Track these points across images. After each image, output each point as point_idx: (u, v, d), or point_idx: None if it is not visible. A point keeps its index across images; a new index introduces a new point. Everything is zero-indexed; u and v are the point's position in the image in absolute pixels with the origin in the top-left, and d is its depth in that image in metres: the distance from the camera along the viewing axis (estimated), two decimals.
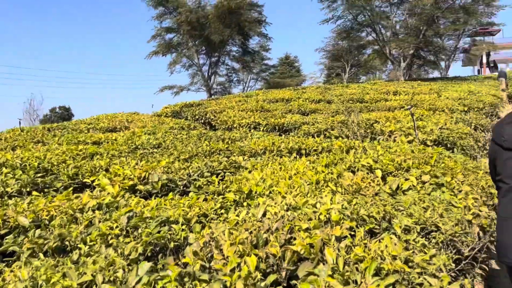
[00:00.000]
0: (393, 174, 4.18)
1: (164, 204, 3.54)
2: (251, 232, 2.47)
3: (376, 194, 3.65)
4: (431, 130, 7.17)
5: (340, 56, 53.25)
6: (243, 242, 2.25)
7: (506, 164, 2.26)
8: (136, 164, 5.04)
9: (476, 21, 36.95)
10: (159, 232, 2.70)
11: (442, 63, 44.53)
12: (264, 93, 16.63)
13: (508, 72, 30.20)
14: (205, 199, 3.73)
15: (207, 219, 3.24)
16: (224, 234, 2.43)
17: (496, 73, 31.14)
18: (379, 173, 4.10)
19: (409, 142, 6.51)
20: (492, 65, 48.70)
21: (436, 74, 47.19)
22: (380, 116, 9.03)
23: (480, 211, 3.43)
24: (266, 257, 2.16)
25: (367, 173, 4.22)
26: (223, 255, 2.20)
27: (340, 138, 7.75)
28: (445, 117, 8.62)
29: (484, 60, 49.19)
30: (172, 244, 2.61)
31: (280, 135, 9.78)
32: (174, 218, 3.07)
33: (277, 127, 9.99)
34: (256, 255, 2.10)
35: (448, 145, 6.68)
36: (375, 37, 31.09)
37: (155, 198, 3.82)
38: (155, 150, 6.17)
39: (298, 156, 5.81)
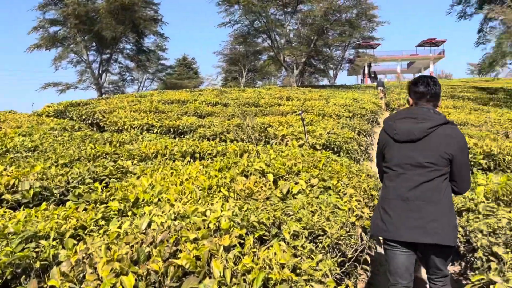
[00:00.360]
0: (284, 178, 4.24)
1: (36, 216, 3.11)
2: (132, 246, 2.24)
3: (268, 198, 3.64)
4: (320, 134, 7.53)
5: (238, 61, 54.19)
6: (122, 259, 2.02)
7: (395, 154, 2.58)
8: (4, 169, 4.40)
9: (360, 35, 40.45)
10: (23, 250, 2.33)
11: (331, 72, 47.90)
12: (159, 93, 16.08)
13: (386, 82, 33.59)
14: (85, 209, 3.37)
15: (85, 232, 2.91)
16: (100, 250, 2.16)
17: (376, 83, 34.42)
18: (271, 177, 4.11)
19: (300, 146, 6.74)
20: (372, 75, 53.83)
21: (325, 81, 50.57)
22: (273, 120, 9.25)
23: (363, 212, 3.62)
24: (147, 274, 1.95)
25: (260, 177, 4.22)
26: (98, 275, 1.94)
27: (235, 142, 7.75)
28: (333, 122, 9.15)
29: (366, 71, 54.14)
30: (38, 264, 2.26)
31: (175, 138, 9.50)
32: (45, 232, 2.69)
33: (172, 130, 9.67)
34: (135, 273, 1.89)
35: (335, 149, 7.07)
36: (270, 44, 32.18)
37: (24, 209, 3.34)
38: (30, 153, 5.48)
39: (192, 160, 5.64)
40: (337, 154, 7.10)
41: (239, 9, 29.75)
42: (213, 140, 8.17)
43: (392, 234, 2.48)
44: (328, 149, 7.08)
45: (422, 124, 2.50)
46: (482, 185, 3.92)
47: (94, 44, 29.05)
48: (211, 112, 11.48)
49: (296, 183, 3.92)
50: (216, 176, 4.16)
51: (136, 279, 1.85)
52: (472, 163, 5.24)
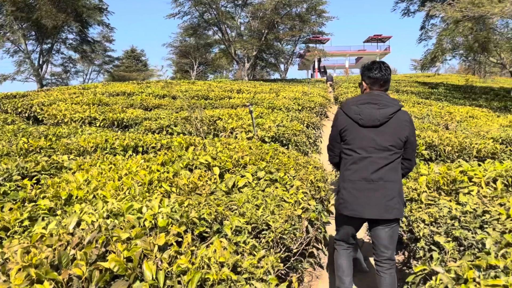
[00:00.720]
0: (231, 171, 4.10)
1: None
2: (55, 249, 2.01)
3: (212, 193, 3.49)
4: (269, 127, 7.46)
5: (188, 53, 53.36)
6: (40, 264, 1.79)
7: (359, 137, 2.70)
8: None
9: (310, 29, 41.03)
10: None
11: (282, 66, 48.34)
12: (104, 85, 15.39)
13: (335, 77, 34.33)
14: (11, 209, 3.06)
15: (8, 234, 2.63)
16: (16, 254, 1.92)
17: (325, 77, 35.11)
18: (216, 170, 3.96)
19: (249, 138, 6.63)
20: (322, 70, 54.93)
21: (277, 76, 50.98)
22: (223, 113, 9.08)
23: (309, 204, 3.56)
24: (68, 281, 1.74)
25: (205, 171, 4.05)
26: (10, 284, 1.71)
27: (182, 135, 7.52)
28: (282, 115, 9.12)
29: (316, 65, 55.14)
30: None
31: (119, 131, 9.11)
32: None
33: (116, 123, 9.23)
34: (53, 279, 1.68)
35: (284, 142, 7.02)
36: (221, 37, 31.84)
37: None
38: None
39: (134, 154, 5.36)
40: (286, 147, 7.07)
41: (189, 0, 29.18)
42: (159, 133, 7.88)
43: (358, 213, 2.68)
44: (277, 142, 7.03)
45: (384, 110, 2.66)
46: (424, 175, 3.99)
47: (33, 33, 27.29)
48: (158, 105, 11.11)
49: (242, 176, 3.80)
50: (158, 170, 3.95)
51: (54, 287, 1.64)
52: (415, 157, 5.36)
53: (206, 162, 4.18)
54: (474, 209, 2.82)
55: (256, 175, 3.88)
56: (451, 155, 5.45)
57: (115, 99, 11.89)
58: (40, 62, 27.64)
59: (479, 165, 4.15)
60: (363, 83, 2.86)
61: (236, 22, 31.75)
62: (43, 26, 25.32)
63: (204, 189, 3.52)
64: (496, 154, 5.64)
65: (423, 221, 2.98)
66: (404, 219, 3.33)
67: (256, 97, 12.53)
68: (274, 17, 32.63)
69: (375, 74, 2.74)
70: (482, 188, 3.54)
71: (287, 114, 9.35)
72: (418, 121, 8.32)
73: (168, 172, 3.90)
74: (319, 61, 55.20)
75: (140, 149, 5.40)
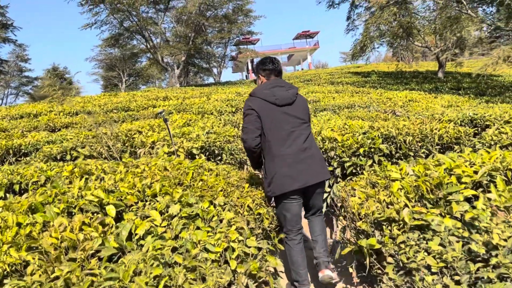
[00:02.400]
0: (132, 209, 2.84)
1: None
2: None
3: (95, 254, 2.22)
4: (197, 136, 6.24)
5: (114, 66, 50.69)
6: None
7: (279, 116, 2.95)
8: None
9: (238, 30, 40.30)
10: None
11: (215, 70, 47.23)
12: (8, 108, 13.29)
13: None
14: None
15: None
16: None
17: None
18: (111, 210, 2.69)
19: (170, 154, 5.37)
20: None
21: (211, 80, 49.76)
22: (143, 125, 7.71)
23: (248, 246, 2.41)
24: None
25: (95, 213, 2.77)
26: None
27: (91, 158, 6.09)
28: (213, 120, 7.93)
29: (250, 66, 54.57)
30: None
31: (16, 161, 7.45)
32: None
33: (11, 151, 7.54)
34: None
35: (216, 151, 5.83)
36: (145, 44, 29.97)
37: None
38: None
39: (11, 194, 3.93)
40: (219, 157, 5.88)
41: (106, 8, 27.05)
42: (63, 158, 6.37)
43: (301, 183, 2.86)
44: (207, 153, 5.83)
45: (291, 90, 3.07)
46: (397, 180, 2.96)
47: None
48: (69, 124, 9.46)
49: (144, 218, 2.56)
50: (19, 224, 2.60)
51: None
52: (371, 149, 4.40)
53: (97, 200, 2.88)
54: (505, 239, 1.77)
55: (167, 211, 2.65)
56: (413, 147, 4.54)
57: (16, 122, 10.04)
58: None
59: (460, 157, 3.21)
60: (260, 76, 3.20)
61: (160, 28, 30.03)
62: None
63: (82, 250, 2.25)
64: (460, 139, 4.83)
65: (428, 268, 1.88)
66: (390, 260, 2.26)
67: (185, 102, 11.22)
68: (199, 20, 31.35)
69: (269, 66, 3.12)
70: (479, 191, 2.57)
71: (219, 119, 8.16)
72: (364, 111, 7.50)
73: (33, 225, 2.57)
74: (252, 61, 54.73)
75: (17, 187, 3.96)
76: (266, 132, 2.93)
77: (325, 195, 4.57)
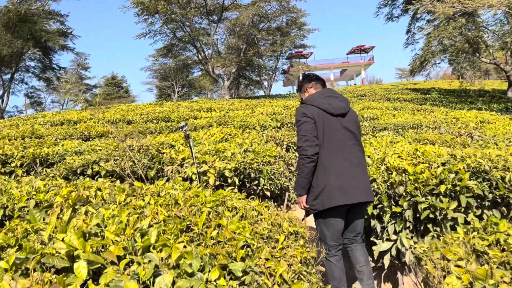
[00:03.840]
0: (116, 268, 1.92)
1: None
2: None
3: None
4: (233, 154, 5.33)
5: (168, 76, 51.62)
6: None
7: (334, 126, 2.86)
8: None
9: (291, 43, 39.59)
10: None
11: (266, 83, 46.77)
12: (53, 114, 13.16)
13: None
14: None
15: None
16: None
17: None
18: (81, 271, 1.80)
19: (185, 179, 4.51)
20: None
21: (261, 93, 49.35)
22: (178, 138, 6.94)
23: None
24: None
25: (60, 272, 1.89)
26: None
27: (113, 175, 5.37)
28: (255, 135, 7.00)
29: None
30: None
31: (43, 170, 6.91)
32: None
33: (38, 160, 7.03)
34: None
35: (252, 175, 4.88)
36: (195, 54, 29.90)
37: None
38: None
39: None
40: (256, 182, 4.92)
41: (160, 18, 27.27)
42: (82, 173, 5.69)
43: (352, 199, 2.76)
44: (242, 176, 4.89)
45: (344, 102, 3.00)
46: None
47: None
48: (104, 133, 8.93)
49: None
50: None
51: None
52: (456, 187, 3.25)
53: (68, 250, 2.00)
54: None
55: (153, 284, 1.71)
56: None
57: (54, 129, 9.68)
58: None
59: None
60: (307, 89, 3.14)
61: (212, 39, 29.87)
62: (0, 55, 23.05)
63: None
64: None
65: None
66: None
67: (228, 115, 10.42)
68: (252, 31, 30.91)
69: (313, 76, 3.17)
70: None
71: (261, 134, 7.23)
72: (434, 133, 6.25)
73: None
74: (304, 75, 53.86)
75: (1, 212, 3.19)
76: (320, 141, 2.82)
77: (390, 244, 3.51)
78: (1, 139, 8.72)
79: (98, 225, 2.38)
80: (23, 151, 7.24)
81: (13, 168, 6.94)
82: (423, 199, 3.28)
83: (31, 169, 7.10)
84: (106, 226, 2.33)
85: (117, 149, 6.53)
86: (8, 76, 25.58)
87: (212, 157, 5.31)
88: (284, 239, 2.35)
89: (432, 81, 47.45)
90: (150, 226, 2.33)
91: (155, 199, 2.76)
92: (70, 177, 5.74)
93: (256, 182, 4.92)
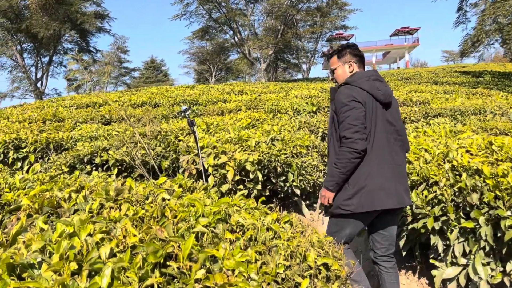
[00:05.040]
0: None
1: None
2: None
3: None
4: (258, 143, 4.53)
5: (206, 59, 51.25)
6: None
7: (380, 116, 2.36)
8: None
9: (332, 24, 38.03)
10: None
11: (304, 66, 45.46)
12: (82, 97, 12.83)
13: None
14: None
15: None
16: None
17: None
18: None
19: (219, 168, 3.77)
20: None
21: (300, 76, 48.16)
22: (201, 123, 6.22)
23: None
24: None
25: None
26: None
27: (122, 164, 4.73)
28: (286, 121, 6.17)
29: None
30: None
31: (56, 156, 6.40)
32: None
33: (52, 145, 6.54)
34: None
35: (279, 169, 4.07)
36: (231, 36, 29.08)
37: None
38: None
39: None
40: (283, 178, 4.11)
41: None
42: (89, 162, 5.09)
43: (395, 202, 2.35)
44: (267, 170, 4.09)
45: (388, 87, 2.50)
46: None
47: (31, 45, 25.25)
48: (128, 116, 8.35)
49: None
50: None
51: None
52: None
53: None
54: None
55: None
56: None
57: (77, 112, 9.23)
58: (37, 76, 25.59)
59: None
60: (351, 63, 2.51)
61: (249, 20, 28.91)
62: (38, 37, 23.19)
63: None
64: None
65: None
66: None
67: (259, 98, 9.60)
68: (290, 12, 29.64)
69: (361, 52, 2.56)
70: None
71: (294, 120, 6.38)
72: (504, 120, 5.16)
73: None
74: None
75: None
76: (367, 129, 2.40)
77: (458, 270, 2.65)
78: (22, 122, 8.35)
79: (42, 248, 1.67)
80: (37, 135, 6.77)
81: (25, 154, 6.50)
82: (508, 213, 2.38)
83: (44, 155, 6.63)
84: (49, 255, 1.62)
85: (134, 135, 5.90)
86: (47, 58, 25.85)
87: (234, 146, 4.54)
88: (310, 281, 1.55)
89: (482, 63, 44.28)
90: (112, 255, 1.59)
91: (134, 210, 2.02)
92: (77, 165, 5.17)
93: (284, 177, 4.11)
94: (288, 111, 7.31)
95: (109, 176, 3.40)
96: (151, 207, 2.11)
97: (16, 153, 6.52)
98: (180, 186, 2.72)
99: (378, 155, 2.35)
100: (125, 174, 5.02)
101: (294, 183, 4.10)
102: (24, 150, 6.45)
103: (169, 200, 2.28)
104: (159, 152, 4.97)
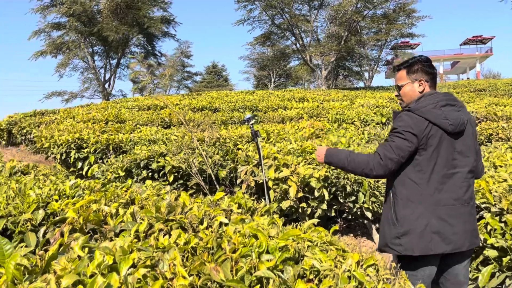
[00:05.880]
0: None
1: None
2: None
3: None
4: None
5: (266, 65, 51.37)
6: None
7: (446, 149, 2.09)
8: None
9: (398, 32, 36.62)
10: None
11: (367, 74, 44.15)
12: (145, 99, 13.05)
13: None
14: None
15: None
16: None
17: None
18: None
19: (281, 182, 3.39)
20: None
21: (361, 84, 46.84)
22: (261, 131, 5.89)
23: None
24: None
25: None
26: None
27: (179, 171, 4.51)
28: (353, 132, 5.67)
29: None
30: None
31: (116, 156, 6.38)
32: None
33: (111, 147, 6.53)
34: None
35: (348, 188, 3.61)
36: (293, 41, 28.75)
37: None
38: None
39: None
40: (353, 198, 3.64)
41: (259, 4, 26.56)
42: (145, 167, 4.92)
43: (453, 246, 2.08)
44: (334, 188, 3.65)
45: (463, 110, 2.18)
46: None
47: (101, 48, 26.52)
48: (187, 120, 8.23)
49: None
50: None
51: None
52: None
53: None
54: None
55: None
56: None
57: (138, 114, 9.30)
58: (105, 78, 26.80)
59: None
60: (422, 81, 2.18)
61: (312, 26, 28.41)
62: (108, 40, 24.29)
63: None
64: None
65: None
66: None
67: (322, 106, 9.12)
68: (355, 18, 28.77)
69: (434, 69, 2.22)
70: None
71: (361, 131, 5.86)
72: None
73: None
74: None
75: None
76: (421, 165, 2.07)
77: None
78: (86, 122, 8.52)
79: (74, 284, 1.38)
80: (98, 136, 6.79)
81: (86, 154, 6.53)
82: None
83: (104, 156, 6.63)
84: None
85: (192, 141, 5.68)
86: (115, 61, 27.02)
87: (297, 158, 4.14)
88: None
89: None
90: None
91: (186, 238, 1.68)
92: (134, 170, 5.03)
93: (353, 197, 3.65)
94: (354, 121, 6.78)
95: (164, 186, 3.14)
96: (206, 234, 1.77)
97: (77, 153, 6.58)
98: (239, 206, 2.37)
99: (436, 193, 2.08)
100: (181, 181, 4.81)
101: (365, 205, 3.62)
102: (85, 151, 6.48)
103: (226, 225, 1.94)
104: (217, 160, 4.69)
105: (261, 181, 4.02)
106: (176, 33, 28.49)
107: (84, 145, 6.55)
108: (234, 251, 1.61)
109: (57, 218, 2.28)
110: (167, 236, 1.73)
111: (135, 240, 1.71)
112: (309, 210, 3.82)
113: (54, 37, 24.80)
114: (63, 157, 6.64)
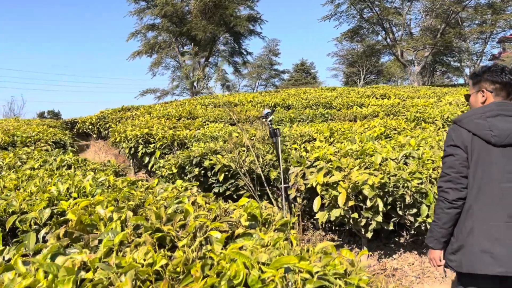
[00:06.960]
0: None
1: None
2: None
3: None
4: (385, 160, 3.58)
5: (355, 62, 49.67)
6: None
7: (495, 162, 1.98)
8: None
9: (506, 23, 32.92)
10: None
11: (467, 70, 40.44)
12: (224, 96, 13.16)
13: None
14: None
15: None
16: None
17: None
18: None
19: (330, 188, 2.98)
20: None
21: (461, 81, 43.05)
22: (323, 129, 5.46)
23: None
24: None
25: None
26: None
27: (229, 170, 4.29)
28: (430, 132, 4.97)
29: None
30: None
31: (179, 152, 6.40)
32: None
33: (176, 143, 6.56)
34: None
35: (408, 199, 3.05)
36: (383, 36, 27.19)
37: None
38: None
39: None
40: (414, 211, 3.07)
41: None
42: (198, 164, 4.77)
43: (505, 268, 1.92)
44: (391, 198, 3.11)
45: None
46: None
47: (190, 47, 27.64)
48: (250, 118, 8.03)
49: None
50: None
51: None
52: None
53: None
54: None
55: None
56: None
57: (210, 110, 9.32)
58: (193, 76, 27.88)
59: None
60: (484, 91, 2.10)
61: (404, 19, 26.61)
62: (196, 39, 25.20)
63: None
64: None
65: None
66: None
67: (403, 103, 8.27)
68: (454, 9, 26.32)
69: (502, 78, 2.06)
70: None
71: (442, 131, 5.11)
72: None
73: None
74: None
75: None
76: (468, 178, 2.01)
77: None
78: (160, 118, 8.73)
79: None
80: (165, 131, 6.87)
81: (153, 149, 6.63)
82: None
83: (169, 152, 6.68)
84: None
85: (252, 138, 5.42)
86: (203, 59, 27.96)
87: (354, 161, 3.66)
88: None
89: None
90: None
91: (153, 257, 1.39)
92: (187, 167, 4.90)
93: (415, 210, 3.08)
94: (436, 120, 5.97)
95: (191, 187, 2.90)
96: (184, 252, 1.47)
97: (144, 148, 6.71)
98: (254, 217, 2.02)
99: (484, 209, 1.98)
100: (232, 181, 4.57)
101: (429, 219, 3.03)
102: (151, 146, 6.58)
103: (218, 239, 1.61)
104: (268, 160, 4.36)
105: (309, 185, 3.61)
106: (262, 31, 28.62)
107: (152, 140, 6.66)
108: (203, 278, 1.28)
109: (61, 218, 2.15)
110: (134, 251, 1.46)
111: (97, 257, 1.46)
112: (363, 221, 3.33)
113: (149, 37, 26.47)
114: (131, 152, 6.83)
